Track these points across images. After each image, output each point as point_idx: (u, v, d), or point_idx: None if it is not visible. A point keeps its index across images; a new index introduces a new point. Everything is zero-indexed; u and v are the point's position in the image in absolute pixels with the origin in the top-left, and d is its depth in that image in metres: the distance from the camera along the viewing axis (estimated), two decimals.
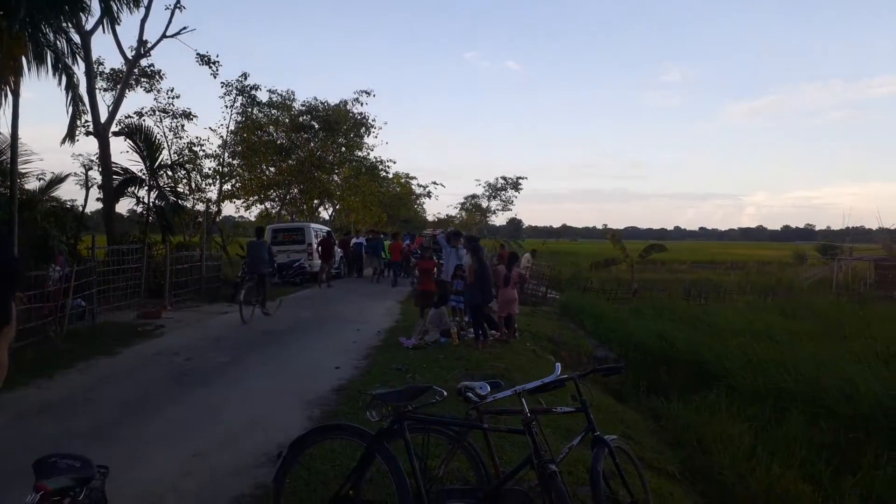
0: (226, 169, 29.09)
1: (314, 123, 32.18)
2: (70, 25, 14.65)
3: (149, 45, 21.16)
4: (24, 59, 12.79)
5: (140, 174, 18.23)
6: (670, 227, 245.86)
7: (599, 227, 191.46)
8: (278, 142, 31.22)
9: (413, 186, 59.55)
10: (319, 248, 23.29)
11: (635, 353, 15.13)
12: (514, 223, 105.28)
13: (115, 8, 13.47)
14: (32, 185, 17.08)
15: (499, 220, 77.77)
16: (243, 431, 6.60)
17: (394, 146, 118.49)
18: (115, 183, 18.31)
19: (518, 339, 12.82)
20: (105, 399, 7.89)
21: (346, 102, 33.42)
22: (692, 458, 8.53)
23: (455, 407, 5.77)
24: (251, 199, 31.70)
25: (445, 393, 4.30)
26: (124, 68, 21.45)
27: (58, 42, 14.00)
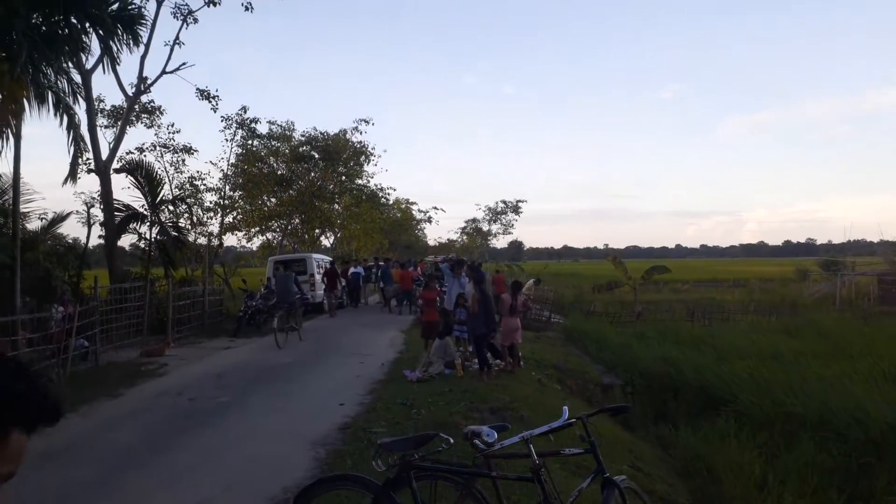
0: (227, 202, 29.24)
1: (314, 153, 32.38)
2: (71, 65, 14.77)
3: (149, 82, 21.35)
4: (25, 101, 12.90)
5: (141, 210, 18.30)
6: (671, 245, 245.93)
7: (601, 246, 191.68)
8: (279, 173, 31.38)
9: (413, 212, 59.71)
10: (325, 279, 23.36)
11: (641, 379, 15.03)
12: (515, 246, 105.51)
13: (115, 48, 13.57)
14: (34, 224, 17.15)
15: (500, 243, 78.03)
16: (247, 475, 6.53)
17: (394, 172, 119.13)
18: (116, 219, 18.37)
19: (523, 368, 12.73)
20: (108, 444, 7.83)
21: (345, 131, 33.66)
22: (703, 488, 8.44)
23: (463, 447, 5.70)
24: (253, 230, 31.82)
25: (452, 440, 4.25)
26: (125, 105, 21.61)
27: (58, 82, 14.11)
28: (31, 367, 1.16)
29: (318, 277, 23.53)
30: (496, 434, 4.15)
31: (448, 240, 75.70)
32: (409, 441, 4.05)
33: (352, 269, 27.20)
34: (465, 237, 73.61)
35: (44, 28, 13.50)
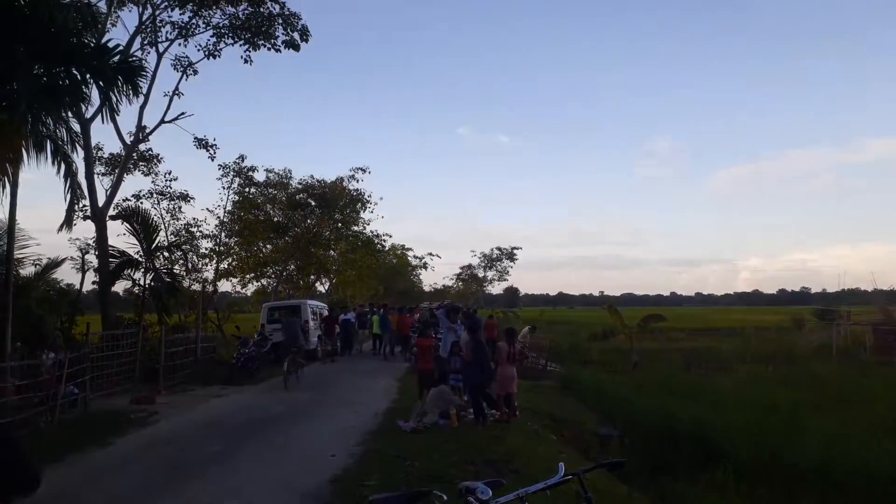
0: (222, 248, 29.28)
1: (311, 201, 32.58)
2: (70, 115, 14.93)
3: (147, 131, 21.61)
4: (23, 149, 12.98)
5: (137, 256, 18.28)
6: (666, 293, 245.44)
7: (596, 294, 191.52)
8: (275, 219, 31.50)
9: (409, 258, 59.84)
10: (323, 326, 23.48)
11: (638, 430, 14.84)
12: (511, 292, 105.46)
13: (114, 98, 13.74)
14: (28, 269, 17.08)
15: (495, 289, 78.17)
16: None
17: (389, 218, 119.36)
18: (111, 265, 18.33)
19: (519, 418, 12.57)
20: (96, 495, 7.67)
21: (342, 179, 33.99)
22: None
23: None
24: (248, 276, 31.78)
25: (446, 497, 4.15)
26: (123, 153, 21.82)
27: (58, 131, 14.25)
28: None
29: (312, 324, 23.44)
30: (491, 491, 4.05)
31: (444, 286, 75.86)
32: (402, 498, 3.95)
33: (342, 316, 26.69)
34: (460, 283, 73.75)
35: (45, 79, 13.69)
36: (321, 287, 41.65)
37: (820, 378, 19.88)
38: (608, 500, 7.73)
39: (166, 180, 25.82)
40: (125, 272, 18.53)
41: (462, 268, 72.44)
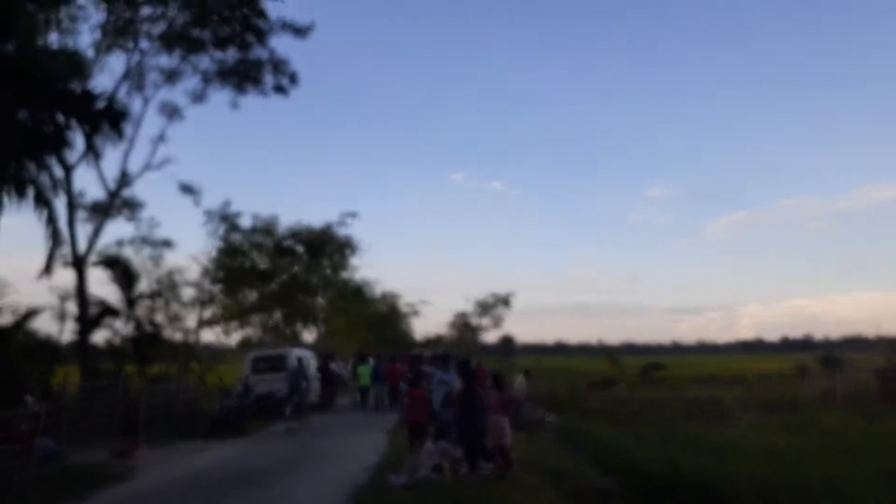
0: (206, 296, 28.67)
1: (298, 247, 32.13)
2: (54, 161, 14.73)
3: (131, 178, 21.35)
4: (4, 194, 12.74)
5: (117, 305, 17.84)
6: (667, 341, 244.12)
7: (594, 342, 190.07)
8: (261, 267, 30.96)
9: (400, 305, 58.99)
10: (321, 375, 23.51)
11: (639, 480, 14.28)
12: (506, 341, 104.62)
13: (99, 144, 13.57)
14: (6, 318, 16.63)
15: (490, 337, 77.08)
16: None
17: (381, 265, 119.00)
18: (91, 314, 17.86)
19: (515, 471, 11.96)
20: None
21: (330, 225, 33.43)
22: None
23: None
24: (231, 324, 31.01)
25: None
26: (106, 199, 21.47)
27: (40, 176, 14.01)
28: None
29: (314, 373, 23.08)
30: None
31: (436, 334, 74.80)
32: None
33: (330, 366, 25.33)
34: (454, 331, 72.70)
35: (29, 124, 13.52)
36: (308, 336, 40.96)
37: (824, 426, 19.43)
38: None
39: (149, 227, 25.38)
40: (105, 321, 18.07)
41: (456, 315, 71.41)
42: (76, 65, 15.22)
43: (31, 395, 13.86)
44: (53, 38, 16.76)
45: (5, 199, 13.11)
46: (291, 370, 19.92)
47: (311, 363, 25.14)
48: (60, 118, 13.95)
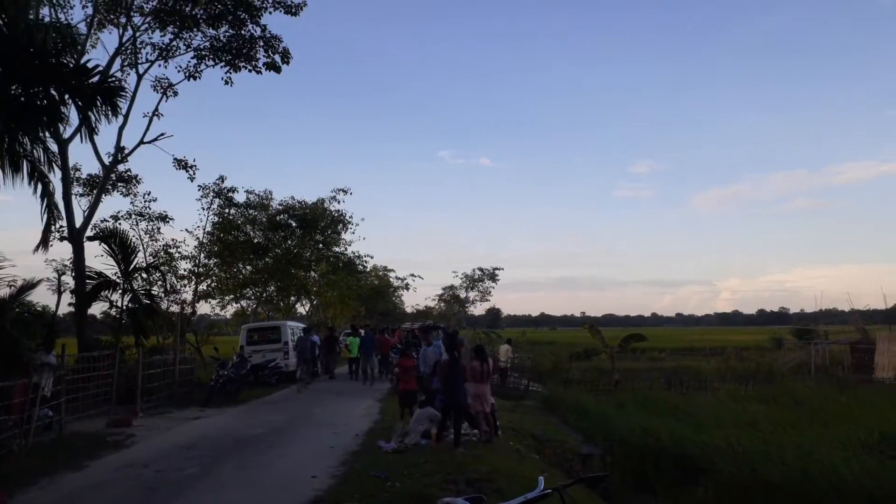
0: (201, 269, 29.03)
1: (291, 222, 32.49)
2: (48, 135, 14.80)
3: (126, 152, 21.46)
4: None
5: (114, 278, 18.10)
6: (647, 314, 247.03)
7: (578, 314, 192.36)
8: (255, 241, 31.32)
9: (391, 279, 59.68)
10: (323, 346, 24.80)
11: (620, 448, 14.85)
12: (493, 313, 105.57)
13: (93, 118, 13.66)
14: (3, 291, 16.81)
15: (477, 310, 78.05)
16: None
17: (371, 240, 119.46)
18: (88, 287, 18.10)
19: (500, 437, 12.51)
20: None
21: (323, 201, 33.96)
22: None
23: None
24: (227, 298, 31.52)
25: None
26: (101, 174, 21.63)
27: (34, 151, 14.10)
28: None
29: (291, 345, 23.26)
30: None
31: (426, 307, 75.74)
32: None
33: (312, 338, 24.36)
34: (442, 304, 73.65)
35: (22, 98, 13.59)
36: (302, 308, 41.42)
37: (799, 396, 20.10)
38: None
39: (145, 201, 25.62)
40: (102, 294, 18.32)
41: (444, 288, 72.41)
42: (69, 39, 15.21)
43: (31, 365, 14.06)
44: (45, 13, 16.74)
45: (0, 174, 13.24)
46: (300, 339, 22.57)
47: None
48: (54, 93, 14.01)
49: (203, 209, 28.98)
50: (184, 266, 28.27)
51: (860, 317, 35.14)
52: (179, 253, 27.70)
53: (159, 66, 21.50)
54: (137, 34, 20.65)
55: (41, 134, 14.45)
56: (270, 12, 20.26)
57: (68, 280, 20.14)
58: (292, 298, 36.12)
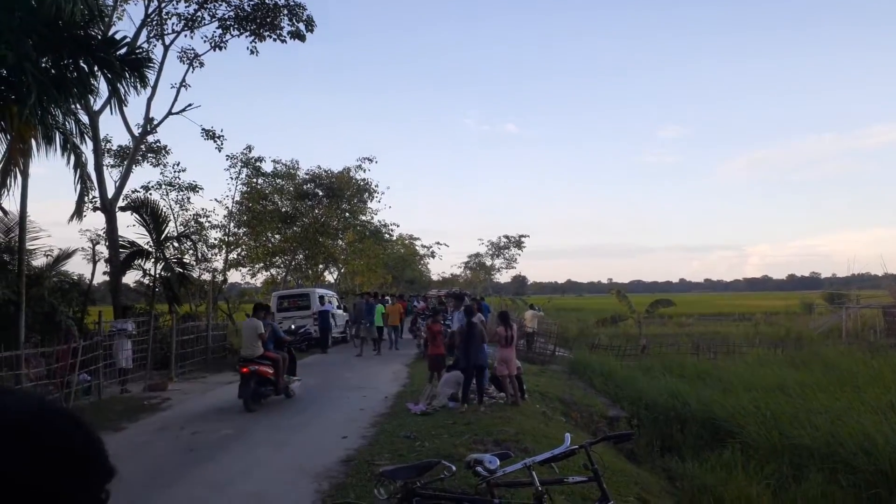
0: (231, 238, 29.44)
1: (318, 191, 32.66)
2: (79, 107, 15.01)
3: (155, 123, 21.71)
4: (33, 141, 13.10)
5: (146, 247, 18.45)
6: (675, 280, 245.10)
7: (605, 281, 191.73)
8: (283, 210, 31.62)
9: (417, 247, 59.86)
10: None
11: (647, 412, 14.92)
12: (519, 280, 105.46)
13: (122, 90, 13.81)
14: (40, 261, 17.28)
15: (503, 277, 78.19)
16: None
17: (397, 208, 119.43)
18: (121, 256, 18.49)
19: (527, 401, 12.64)
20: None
21: (349, 169, 34.05)
22: None
23: (465, 477, 5.67)
24: (257, 266, 31.97)
25: (454, 468, 4.25)
26: (131, 145, 21.92)
27: (66, 123, 14.32)
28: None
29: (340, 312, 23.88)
30: (498, 461, 4.15)
31: (452, 275, 75.96)
32: (412, 469, 4.05)
33: (323, 307, 23.79)
34: (468, 272, 73.81)
35: (53, 71, 13.75)
36: (330, 277, 41.83)
37: (829, 360, 19.86)
38: (616, 478, 7.80)
39: (174, 171, 25.98)
40: (135, 262, 18.71)
41: (470, 256, 72.51)
42: (96, 11, 15.28)
43: (66, 336, 14.50)
44: None
45: (34, 145, 13.50)
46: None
47: (334, 301, 26.00)
48: (83, 65, 14.14)
49: (231, 179, 29.30)
50: (214, 235, 28.74)
51: (894, 280, 34.51)
52: (209, 222, 28.17)
53: (185, 36, 21.60)
54: (163, 5, 20.70)
55: (72, 106, 14.65)
56: None
57: (102, 249, 20.61)
58: (320, 267, 36.48)
